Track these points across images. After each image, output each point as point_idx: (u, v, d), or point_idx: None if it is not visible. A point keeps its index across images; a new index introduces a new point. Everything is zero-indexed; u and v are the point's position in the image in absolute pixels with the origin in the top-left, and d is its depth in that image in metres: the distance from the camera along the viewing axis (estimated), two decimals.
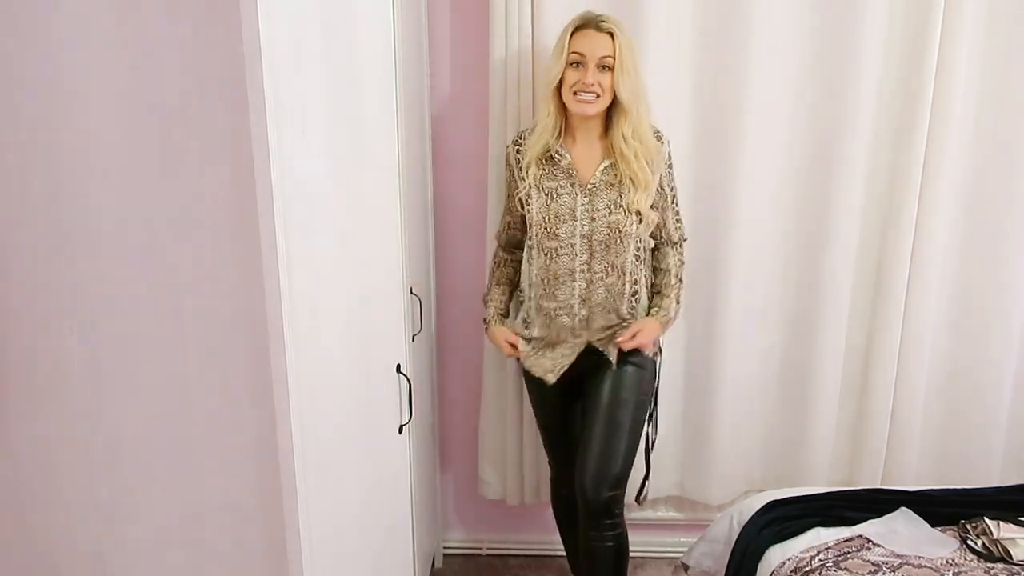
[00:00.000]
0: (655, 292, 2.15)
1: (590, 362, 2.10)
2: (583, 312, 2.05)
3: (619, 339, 2.05)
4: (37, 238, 1.06)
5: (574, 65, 1.94)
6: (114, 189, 1.03)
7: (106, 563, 1.17)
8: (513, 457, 2.51)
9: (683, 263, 2.18)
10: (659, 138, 2.04)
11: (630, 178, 1.98)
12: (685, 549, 2.35)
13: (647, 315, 2.11)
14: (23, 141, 1.02)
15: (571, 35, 1.94)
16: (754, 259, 2.40)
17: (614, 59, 1.92)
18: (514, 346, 2.14)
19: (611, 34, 1.92)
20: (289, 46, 1.05)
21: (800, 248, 2.42)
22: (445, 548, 2.74)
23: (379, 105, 1.59)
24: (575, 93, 1.94)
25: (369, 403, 1.54)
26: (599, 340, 2.08)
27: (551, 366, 2.11)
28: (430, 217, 2.42)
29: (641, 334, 2.06)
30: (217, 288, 1.05)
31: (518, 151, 2.07)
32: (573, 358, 2.09)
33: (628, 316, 2.07)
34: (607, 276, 2.03)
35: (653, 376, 2.15)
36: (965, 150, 2.33)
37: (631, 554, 2.47)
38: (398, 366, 1.74)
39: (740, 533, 2.08)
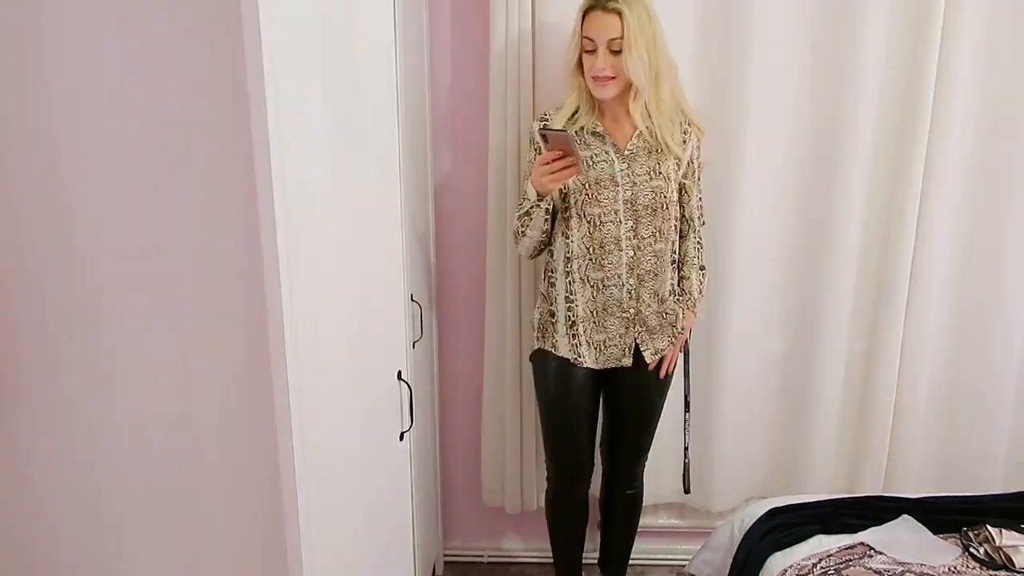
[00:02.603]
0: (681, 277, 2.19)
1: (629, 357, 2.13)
2: (631, 282, 2.03)
3: (664, 366, 2.15)
4: (38, 243, 1.06)
5: (588, 50, 1.94)
6: (115, 197, 1.03)
7: (106, 570, 1.17)
8: (513, 464, 2.51)
9: (702, 247, 2.20)
10: (687, 113, 2.07)
11: (663, 148, 2.00)
12: (687, 556, 2.35)
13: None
14: (24, 148, 1.02)
15: (583, 18, 1.94)
16: (755, 267, 2.40)
17: (623, 40, 1.89)
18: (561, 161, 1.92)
19: (619, 13, 1.88)
20: (291, 53, 1.05)
21: (801, 256, 2.42)
22: (446, 555, 2.73)
23: (380, 112, 1.60)
24: (592, 78, 1.95)
25: (370, 410, 1.54)
26: (644, 334, 2.09)
27: (619, 354, 2.10)
28: (431, 223, 2.42)
29: (680, 336, 2.16)
30: (218, 296, 1.05)
31: (544, 127, 2.04)
32: (630, 338, 2.08)
33: (670, 295, 2.10)
34: (655, 242, 2.03)
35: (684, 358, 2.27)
36: (966, 158, 2.33)
37: (632, 562, 2.49)
38: (399, 373, 1.74)
39: (741, 541, 2.08)
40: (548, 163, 1.88)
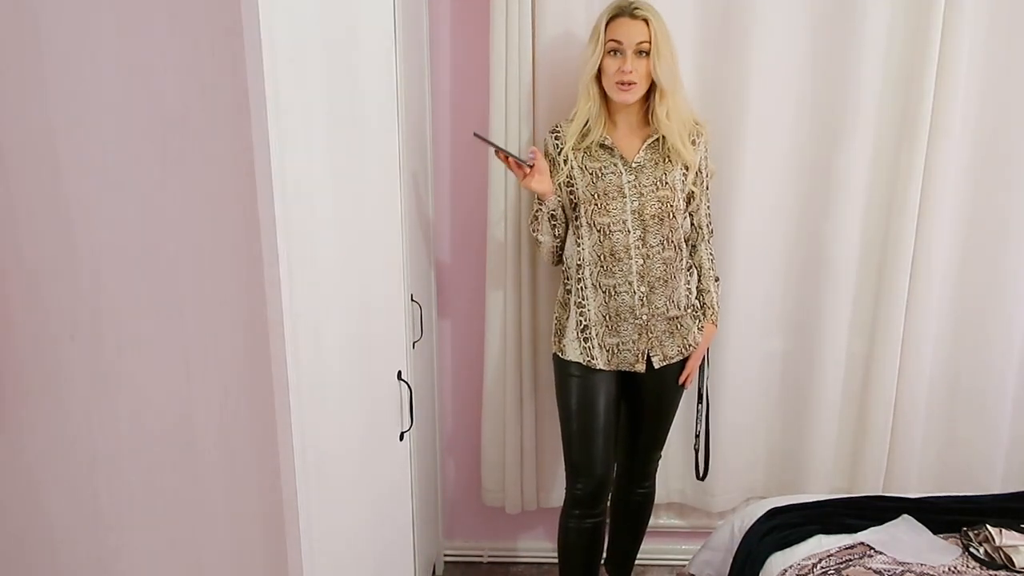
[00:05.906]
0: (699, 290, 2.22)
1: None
2: (643, 289, 2.06)
3: (682, 378, 2.20)
4: (38, 243, 1.06)
5: (612, 53, 1.98)
6: (115, 197, 1.03)
7: (106, 571, 1.17)
8: (513, 464, 2.51)
9: (714, 257, 2.24)
10: (697, 124, 2.12)
11: (673, 158, 2.05)
12: (687, 556, 2.35)
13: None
14: (24, 148, 1.03)
15: (607, 24, 1.99)
16: (754, 267, 2.40)
17: (651, 44, 1.96)
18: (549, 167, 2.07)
19: (646, 20, 1.96)
20: (291, 53, 1.05)
21: (801, 256, 2.42)
22: (446, 555, 2.73)
23: (380, 111, 1.60)
24: (617, 83, 1.98)
25: (370, 410, 1.54)
26: (655, 340, 2.11)
27: (632, 359, 2.11)
28: (431, 224, 2.42)
29: (698, 347, 2.20)
30: (218, 296, 1.05)
31: (556, 138, 2.11)
32: (644, 344, 2.10)
33: (685, 300, 2.12)
34: (664, 250, 2.07)
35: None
36: (966, 158, 2.32)
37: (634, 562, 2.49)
38: (399, 373, 1.74)
39: (741, 541, 2.08)
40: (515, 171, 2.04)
